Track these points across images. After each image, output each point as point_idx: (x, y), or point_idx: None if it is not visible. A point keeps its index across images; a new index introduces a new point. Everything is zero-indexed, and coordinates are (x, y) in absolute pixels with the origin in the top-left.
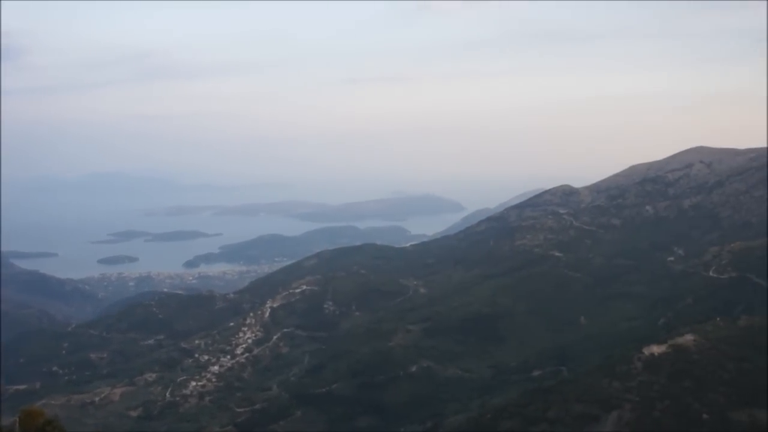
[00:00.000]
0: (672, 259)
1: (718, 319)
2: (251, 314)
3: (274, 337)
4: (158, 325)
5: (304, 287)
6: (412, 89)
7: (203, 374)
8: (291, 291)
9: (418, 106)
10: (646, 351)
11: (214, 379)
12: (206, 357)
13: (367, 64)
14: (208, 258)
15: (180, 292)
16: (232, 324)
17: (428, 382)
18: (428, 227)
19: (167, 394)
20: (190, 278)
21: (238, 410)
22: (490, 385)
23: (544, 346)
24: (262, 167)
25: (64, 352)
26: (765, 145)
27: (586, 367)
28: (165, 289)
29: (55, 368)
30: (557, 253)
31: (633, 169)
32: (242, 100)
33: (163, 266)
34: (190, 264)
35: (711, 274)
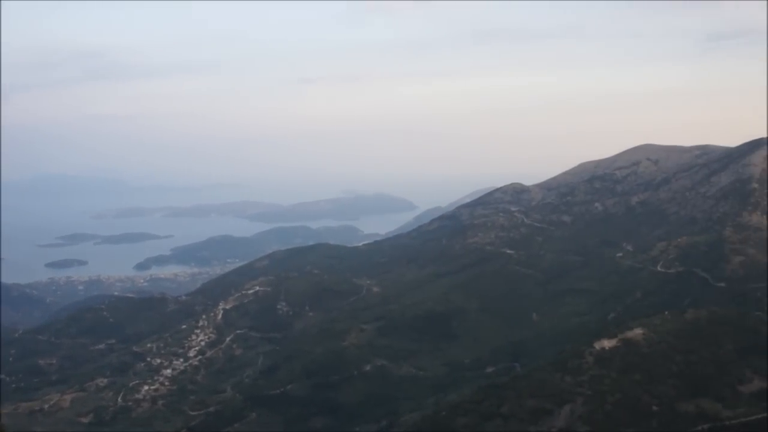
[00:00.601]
0: (621, 254)
1: (666, 312)
2: (204, 316)
3: (227, 338)
4: (109, 329)
5: (257, 288)
6: (364, 89)
7: (156, 378)
8: (243, 292)
9: (370, 106)
10: (597, 345)
11: (166, 383)
12: (159, 360)
13: (319, 64)
14: (159, 260)
15: (131, 295)
16: (184, 326)
17: (383, 381)
18: (381, 226)
19: (119, 399)
20: (141, 281)
21: (192, 413)
22: (444, 383)
23: (497, 343)
24: (214, 168)
25: (11, 359)
26: (709, 143)
27: (539, 363)
28: (115, 293)
29: (2, 376)
30: (509, 251)
31: (582, 167)
32: (194, 100)
33: (114, 269)
34: (140, 266)
35: (659, 268)
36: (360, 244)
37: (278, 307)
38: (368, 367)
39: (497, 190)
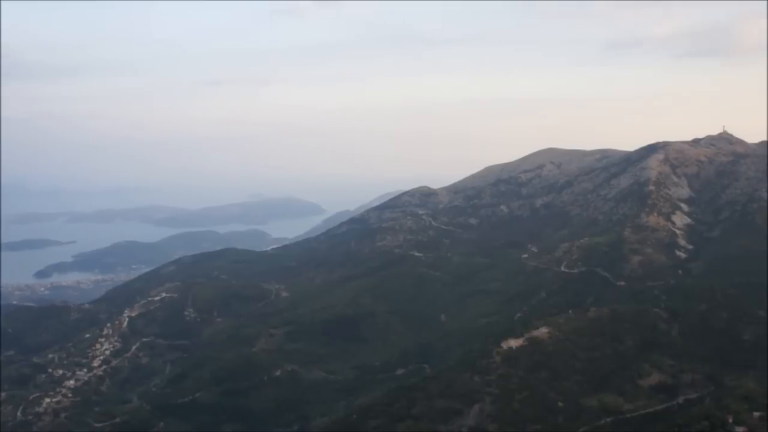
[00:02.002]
0: (526, 255)
1: (570, 311)
2: (108, 325)
3: (133, 347)
4: (7, 340)
5: (164, 295)
6: (272, 91)
7: (58, 390)
8: (150, 299)
9: (278, 109)
10: (505, 345)
11: (70, 395)
12: (61, 371)
13: (226, 66)
14: (61, 267)
15: (31, 304)
16: (88, 335)
17: (293, 386)
18: (289, 230)
19: (18, 414)
20: (42, 289)
21: (97, 425)
22: (354, 386)
23: (406, 345)
24: (119, 171)
25: None
26: (609, 147)
27: (448, 364)
28: (14, 302)
29: None
30: (417, 253)
31: (488, 170)
32: (97, 102)
33: (12, 277)
34: (41, 274)
35: (562, 269)
36: (268, 248)
37: (186, 313)
38: (278, 372)
39: (405, 193)
